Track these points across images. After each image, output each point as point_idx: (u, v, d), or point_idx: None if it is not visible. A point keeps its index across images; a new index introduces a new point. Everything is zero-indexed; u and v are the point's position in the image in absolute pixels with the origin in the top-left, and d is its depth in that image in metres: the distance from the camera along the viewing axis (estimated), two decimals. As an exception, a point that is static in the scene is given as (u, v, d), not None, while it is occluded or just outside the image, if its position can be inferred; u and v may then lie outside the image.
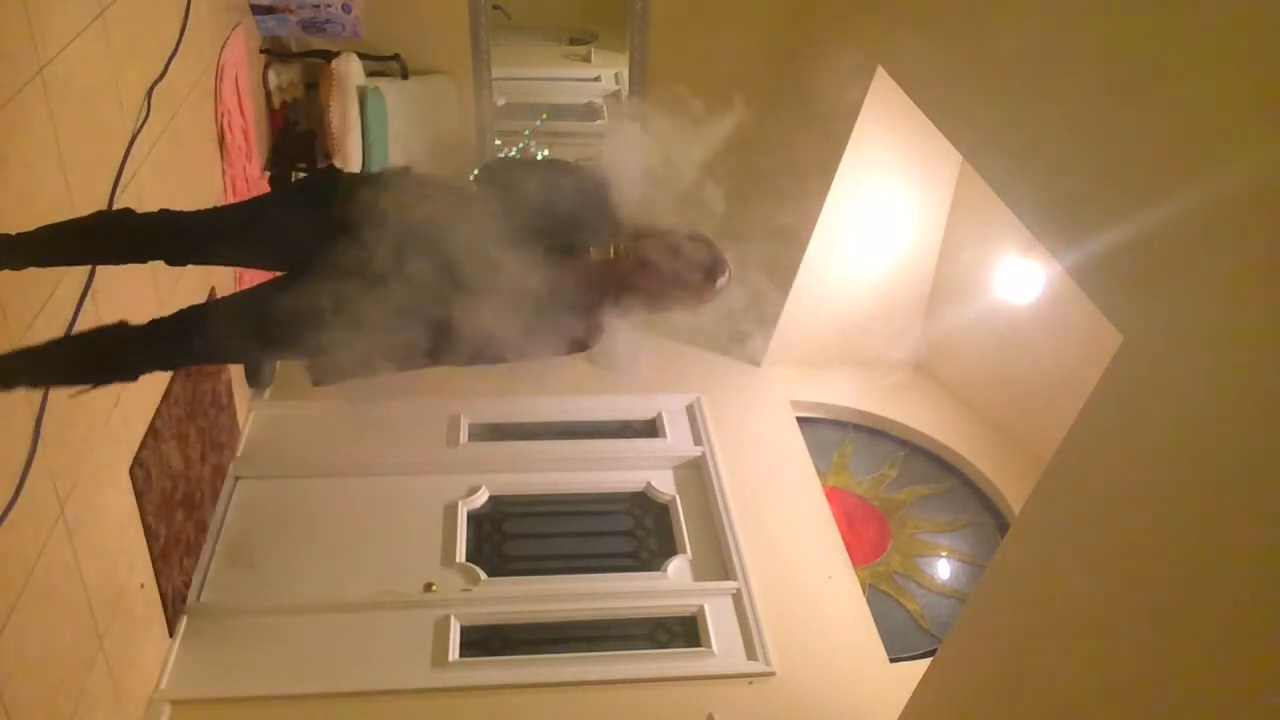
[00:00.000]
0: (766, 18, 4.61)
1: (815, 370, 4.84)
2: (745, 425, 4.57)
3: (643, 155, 1.95)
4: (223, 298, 2.30)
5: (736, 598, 3.72)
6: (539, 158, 1.90)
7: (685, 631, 3.67)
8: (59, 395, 2.32)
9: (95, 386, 2.05)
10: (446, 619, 3.50)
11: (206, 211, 2.23)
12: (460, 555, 3.80)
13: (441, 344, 1.90)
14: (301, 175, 4.31)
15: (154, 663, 3.15)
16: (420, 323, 1.85)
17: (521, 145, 4.75)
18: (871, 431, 4.91)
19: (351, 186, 1.95)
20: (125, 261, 2.15)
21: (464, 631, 3.52)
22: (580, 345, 1.98)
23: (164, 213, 2.11)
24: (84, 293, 2.53)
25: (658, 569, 3.88)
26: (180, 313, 2.03)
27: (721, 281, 1.98)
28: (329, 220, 1.88)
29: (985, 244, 4.48)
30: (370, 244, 1.80)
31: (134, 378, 2.04)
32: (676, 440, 4.48)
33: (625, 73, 4.92)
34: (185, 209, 2.13)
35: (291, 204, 2.10)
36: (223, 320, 2.00)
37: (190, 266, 2.17)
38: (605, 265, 1.96)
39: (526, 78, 5.43)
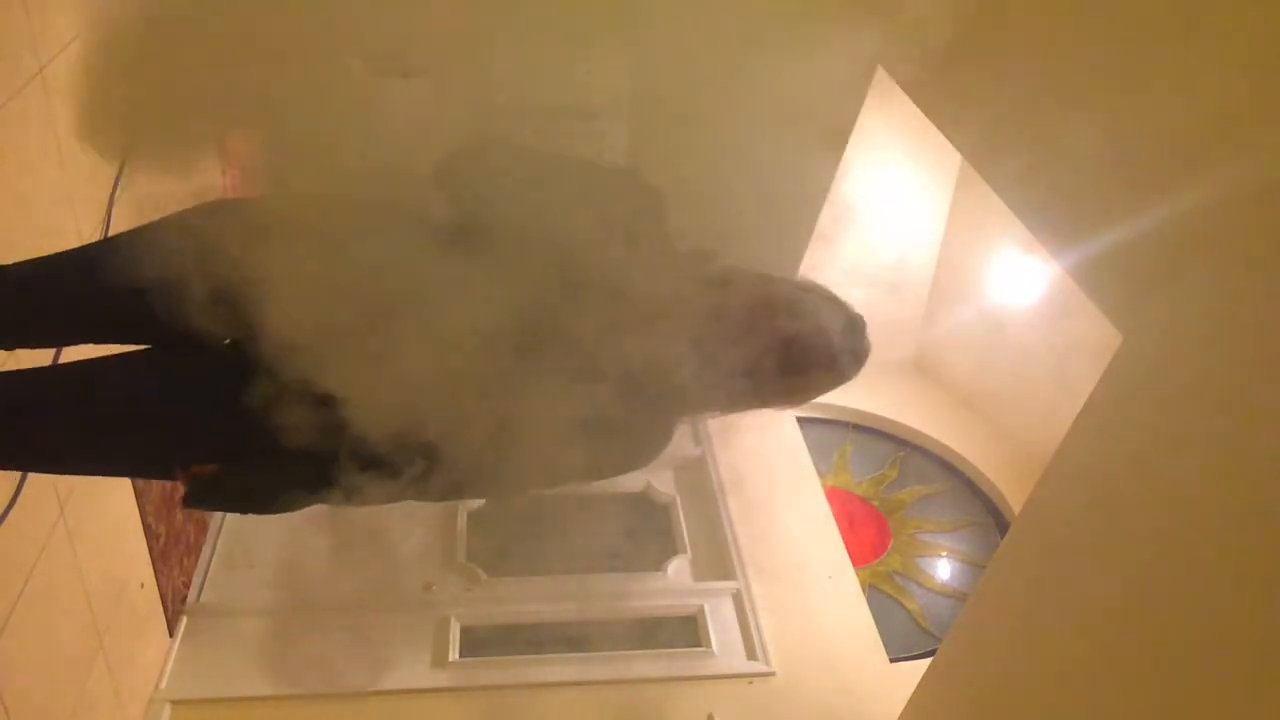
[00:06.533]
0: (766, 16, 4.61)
1: (815, 370, 4.84)
2: (745, 425, 4.56)
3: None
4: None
5: (736, 598, 3.72)
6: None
7: (685, 631, 3.67)
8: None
9: None
10: (446, 619, 3.50)
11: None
12: (460, 555, 3.80)
13: (461, 484, 1.26)
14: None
15: (154, 662, 3.15)
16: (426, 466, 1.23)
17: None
18: (871, 431, 4.91)
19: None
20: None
21: (464, 631, 3.51)
22: (651, 456, 1.38)
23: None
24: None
25: (658, 569, 3.88)
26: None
27: (866, 356, 1.34)
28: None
29: (985, 244, 4.48)
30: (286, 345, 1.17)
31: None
32: (676, 440, 4.45)
33: (625, 73, 4.92)
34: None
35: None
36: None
37: None
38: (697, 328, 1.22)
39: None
